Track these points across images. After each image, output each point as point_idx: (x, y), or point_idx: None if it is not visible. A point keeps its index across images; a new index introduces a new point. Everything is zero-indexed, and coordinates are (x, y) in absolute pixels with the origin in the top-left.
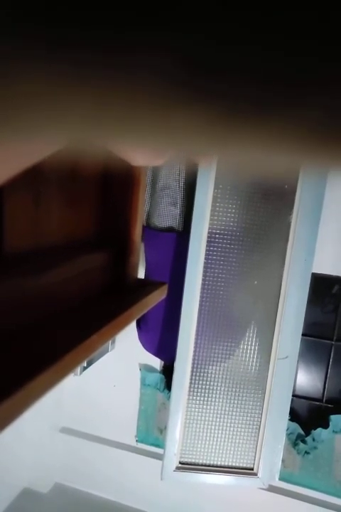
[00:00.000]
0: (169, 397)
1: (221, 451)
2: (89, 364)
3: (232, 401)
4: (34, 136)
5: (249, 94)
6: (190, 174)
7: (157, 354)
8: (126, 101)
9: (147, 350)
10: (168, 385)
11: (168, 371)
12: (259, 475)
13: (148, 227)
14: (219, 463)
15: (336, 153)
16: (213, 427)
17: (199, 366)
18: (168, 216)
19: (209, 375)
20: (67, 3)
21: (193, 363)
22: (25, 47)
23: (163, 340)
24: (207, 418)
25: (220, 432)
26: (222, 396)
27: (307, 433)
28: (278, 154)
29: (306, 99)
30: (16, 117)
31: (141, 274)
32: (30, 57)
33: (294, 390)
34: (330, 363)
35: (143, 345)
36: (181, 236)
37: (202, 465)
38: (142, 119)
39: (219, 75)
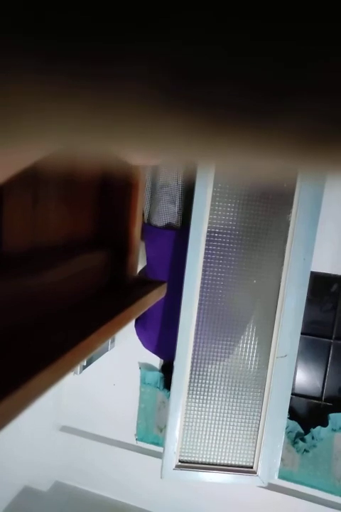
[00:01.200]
0: (169, 396)
1: (220, 450)
2: (89, 363)
3: (232, 399)
4: (28, 141)
5: (238, 101)
6: (189, 173)
7: (156, 352)
8: (116, 109)
9: (146, 347)
10: (167, 384)
11: (167, 369)
12: (258, 473)
13: (148, 225)
14: (218, 461)
15: (328, 160)
16: (212, 426)
17: (198, 364)
18: (166, 214)
19: (208, 373)
20: (56, 16)
21: (192, 362)
22: (18, 58)
23: (161, 338)
24: (206, 416)
25: (220, 430)
26: (221, 394)
27: (307, 431)
28: (269, 160)
29: (297, 106)
30: (10, 123)
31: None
32: (23, 68)
33: (293, 389)
34: (329, 361)
35: (142, 343)
36: (179, 233)
37: (201, 463)
38: (132, 127)
39: (207, 84)
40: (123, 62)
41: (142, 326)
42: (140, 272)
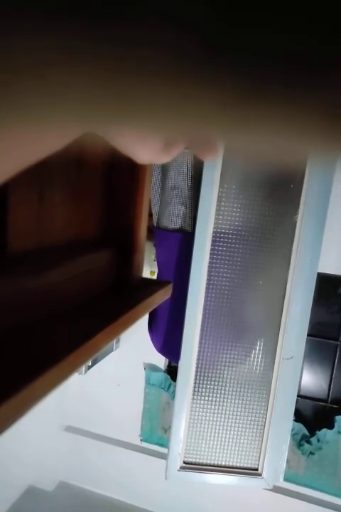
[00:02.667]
0: (173, 397)
1: (225, 451)
2: (94, 363)
3: (237, 401)
4: (43, 121)
5: (268, 75)
6: (199, 174)
7: (167, 355)
8: (139, 80)
9: (158, 351)
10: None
11: (173, 372)
12: (264, 475)
13: (158, 228)
14: (223, 463)
15: None
16: (217, 427)
17: (203, 366)
18: (177, 216)
19: (213, 374)
20: None
21: (198, 363)
22: (26, 20)
23: (173, 342)
24: (211, 418)
25: (225, 431)
26: (226, 396)
27: (312, 434)
28: (298, 138)
29: (329, 83)
30: (22, 100)
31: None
32: (34, 31)
33: (299, 391)
34: (335, 363)
35: (155, 347)
36: (190, 236)
37: (206, 465)
38: (156, 98)
39: (237, 55)
40: (146, 26)
41: (154, 330)
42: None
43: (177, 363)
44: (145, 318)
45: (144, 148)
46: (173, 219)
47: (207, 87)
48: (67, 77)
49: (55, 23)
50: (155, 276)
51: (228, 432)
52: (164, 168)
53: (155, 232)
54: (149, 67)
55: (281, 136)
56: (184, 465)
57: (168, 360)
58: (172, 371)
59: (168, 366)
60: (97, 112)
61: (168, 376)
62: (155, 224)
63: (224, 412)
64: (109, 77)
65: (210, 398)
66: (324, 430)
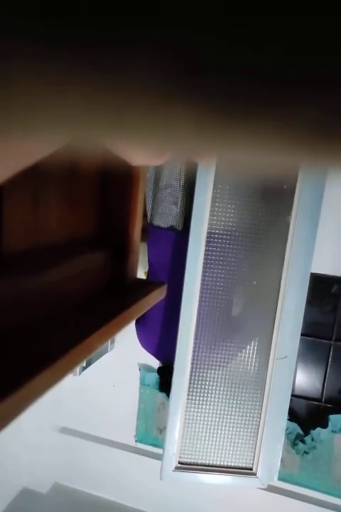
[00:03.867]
0: (168, 397)
1: (220, 451)
2: (89, 364)
3: (231, 401)
4: (34, 134)
5: (246, 93)
6: (191, 173)
7: (155, 353)
8: (125, 99)
9: (144, 348)
10: (163, 386)
11: (163, 371)
12: (258, 475)
13: (151, 226)
14: (218, 463)
15: (334, 153)
16: (212, 427)
17: (198, 366)
18: (169, 215)
19: (208, 374)
20: (65, 3)
21: (192, 363)
22: (24, 45)
23: (161, 340)
24: (206, 418)
25: (219, 431)
26: (221, 396)
27: (307, 433)
28: (277, 153)
29: (305, 99)
30: (16, 115)
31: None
32: (28, 56)
33: (293, 390)
34: (329, 362)
35: (141, 344)
36: (181, 235)
37: (201, 465)
38: (140, 117)
39: (217, 74)
40: (126, 49)
41: (142, 327)
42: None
43: (168, 363)
44: None
45: (138, 151)
46: (165, 218)
47: (192, 106)
48: (62, 94)
49: (49, 50)
50: None
51: (223, 432)
52: (157, 167)
53: (148, 230)
54: (136, 88)
55: (266, 151)
56: (179, 465)
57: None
58: (163, 372)
59: (159, 367)
60: (86, 128)
61: (159, 377)
62: (148, 222)
63: (218, 412)
64: (98, 96)
65: (205, 398)
66: (318, 429)
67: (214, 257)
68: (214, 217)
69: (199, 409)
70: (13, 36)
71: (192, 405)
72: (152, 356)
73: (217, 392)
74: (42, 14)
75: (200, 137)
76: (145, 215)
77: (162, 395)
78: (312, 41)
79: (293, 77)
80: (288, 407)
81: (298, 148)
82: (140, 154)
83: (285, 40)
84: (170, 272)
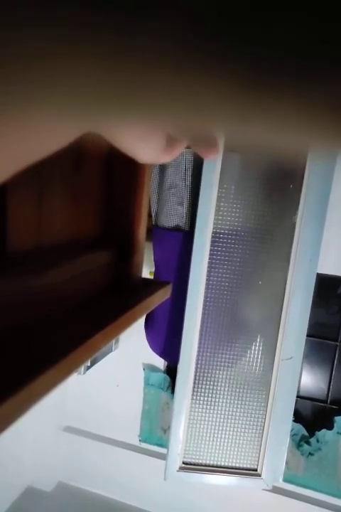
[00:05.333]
0: (173, 397)
1: (224, 452)
2: (93, 363)
3: (236, 401)
4: (43, 111)
5: (270, 64)
6: (197, 173)
7: (163, 355)
8: (141, 70)
9: (153, 350)
10: (173, 387)
11: (172, 372)
12: (263, 476)
13: (156, 227)
14: (222, 463)
15: None
16: (217, 427)
17: (203, 366)
18: (174, 215)
19: (213, 375)
20: None
21: (197, 364)
22: (26, 8)
23: (169, 342)
24: (210, 418)
25: (224, 432)
26: (225, 396)
27: (312, 434)
28: (297, 131)
29: (331, 74)
30: (22, 92)
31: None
32: (31, 18)
33: (298, 391)
34: (335, 363)
35: (150, 346)
36: (187, 235)
37: (205, 465)
38: (158, 88)
39: (240, 44)
40: (147, 15)
41: (151, 329)
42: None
43: (174, 364)
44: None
45: (145, 148)
46: (171, 218)
47: (209, 77)
48: (67, 67)
49: (55, 11)
50: None
51: (227, 433)
52: (162, 167)
53: (153, 230)
54: (150, 57)
55: (284, 128)
56: (183, 465)
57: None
58: (171, 371)
59: (167, 367)
60: (99, 102)
61: (168, 376)
62: (153, 223)
63: (223, 412)
64: (110, 66)
65: (209, 398)
66: (323, 431)
67: (219, 257)
68: (220, 217)
69: (204, 410)
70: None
71: (197, 405)
72: (156, 356)
73: (222, 392)
74: None
75: (217, 110)
76: (150, 216)
77: (166, 395)
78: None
79: (330, 53)
80: (293, 408)
81: (320, 126)
82: (147, 150)
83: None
84: (177, 272)
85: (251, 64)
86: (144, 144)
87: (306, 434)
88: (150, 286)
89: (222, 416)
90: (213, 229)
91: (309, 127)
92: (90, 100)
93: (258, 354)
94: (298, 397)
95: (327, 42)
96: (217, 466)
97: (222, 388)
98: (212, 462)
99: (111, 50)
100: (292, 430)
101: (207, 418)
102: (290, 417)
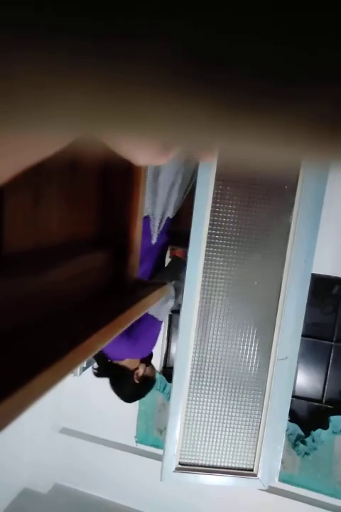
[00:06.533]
0: (169, 398)
1: (221, 452)
2: (89, 365)
3: (232, 402)
4: (40, 129)
5: (252, 85)
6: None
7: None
8: (127, 91)
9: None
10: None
11: (169, 373)
12: (259, 476)
13: None
14: (218, 464)
15: (336, 148)
16: (213, 428)
17: (198, 367)
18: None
19: (208, 375)
20: None
21: (193, 364)
22: (25, 35)
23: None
24: (206, 419)
25: (220, 432)
26: (221, 397)
27: (307, 434)
28: (282, 147)
29: (312, 92)
30: (21, 108)
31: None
32: (32, 45)
33: (294, 391)
34: (330, 363)
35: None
36: (149, 221)
37: (201, 466)
38: (143, 109)
39: (221, 65)
40: (135, 40)
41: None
42: None
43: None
44: None
45: (142, 151)
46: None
47: (200, 99)
48: (65, 87)
49: (56, 38)
50: None
51: (223, 433)
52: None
53: None
54: (147, 80)
55: (273, 144)
56: (179, 466)
57: (162, 361)
58: (167, 372)
59: (163, 367)
60: (95, 120)
61: (164, 377)
62: None
63: (219, 412)
64: (107, 88)
65: (205, 399)
66: (319, 430)
67: (214, 258)
68: (215, 218)
69: (200, 410)
70: (15, 26)
71: (193, 406)
72: (154, 357)
73: (218, 393)
74: (49, 2)
75: (210, 129)
76: None
77: (162, 396)
78: (318, 37)
79: (304, 70)
80: (288, 408)
81: (305, 141)
82: (144, 153)
83: (292, 34)
84: (144, 259)
85: (228, 84)
86: (140, 148)
87: (302, 433)
88: (146, 287)
89: (218, 416)
90: (208, 230)
91: (295, 143)
92: (87, 118)
93: (253, 354)
94: (293, 397)
95: (302, 58)
96: (213, 467)
97: (218, 389)
98: (208, 463)
99: (109, 73)
100: (287, 430)
101: (203, 419)
102: (286, 416)
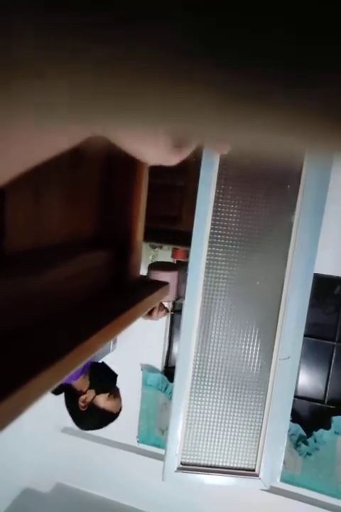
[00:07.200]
0: (170, 398)
1: (222, 452)
2: None
3: (234, 402)
4: (43, 120)
5: (267, 74)
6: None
7: None
8: (130, 78)
9: None
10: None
11: (170, 373)
12: (261, 476)
13: None
14: (220, 464)
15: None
16: (215, 428)
17: (200, 367)
18: None
19: (210, 375)
20: None
21: (195, 364)
22: (24, 17)
23: None
24: (208, 419)
25: (222, 432)
26: (223, 397)
27: (309, 434)
28: (289, 136)
29: (318, 80)
30: (25, 98)
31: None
32: (35, 28)
33: (296, 391)
34: (332, 363)
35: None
36: None
37: (203, 466)
38: (147, 96)
39: (236, 54)
40: (136, 24)
41: None
42: None
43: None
44: (142, 319)
45: (153, 149)
46: None
47: (205, 86)
48: (66, 75)
49: (55, 19)
50: None
51: (225, 433)
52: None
53: None
54: (148, 66)
55: (278, 134)
56: (181, 466)
57: (164, 361)
58: (169, 372)
59: (165, 367)
60: (96, 110)
61: (165, 377)
62: None
63: (221, 412)
64: (108, 76)
65: (207, 399)
66: (321, 431)
67: (216, 258)
68: (217, 218)
69: (202, 410)
70: (17, 7)
71: (195, 406)
72: (155, 357)
73: (220, 393)
74: None
75: (216, 118)
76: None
77: (164, 396)
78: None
79: (310, 59)
80: (290, 408)
81: (311, 131)
82: (154, 151)
83: (301, 26)
84: None
85: (241, 73)
86: (150, 146)
87: (304, 434)
88: (147, 286)
89: (220, 416)
90: (211, 229)
91: (300, 132)
92: (88, 109)
93: (255, 354)
94: (295, 397)
95: (310, 47)
96: (214, 467)
97: (220, 389)
98: (210, 462)
99: (110, 59)
100: (289, 430)
101: (205, 418)
102: (288, 417)
